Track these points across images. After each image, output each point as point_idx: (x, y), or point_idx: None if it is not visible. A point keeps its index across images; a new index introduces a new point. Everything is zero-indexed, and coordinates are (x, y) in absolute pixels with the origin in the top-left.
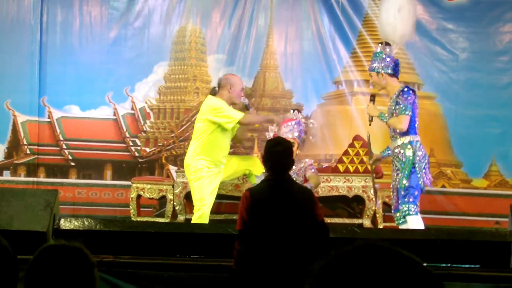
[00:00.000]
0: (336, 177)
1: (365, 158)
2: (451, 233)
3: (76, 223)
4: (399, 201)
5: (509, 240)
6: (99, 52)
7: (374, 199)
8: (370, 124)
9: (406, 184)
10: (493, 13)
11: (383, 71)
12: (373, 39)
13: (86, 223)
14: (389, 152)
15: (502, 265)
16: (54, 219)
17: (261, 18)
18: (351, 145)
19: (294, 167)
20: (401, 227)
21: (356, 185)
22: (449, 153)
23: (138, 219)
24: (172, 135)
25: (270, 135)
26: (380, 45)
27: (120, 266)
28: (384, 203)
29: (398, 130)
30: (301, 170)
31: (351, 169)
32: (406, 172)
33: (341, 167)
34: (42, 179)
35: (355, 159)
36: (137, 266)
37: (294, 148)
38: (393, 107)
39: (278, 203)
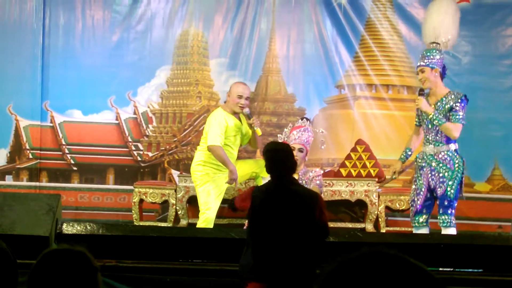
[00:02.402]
0: (338, 181)
1: (367, 163)
2: (454, 238)
3: (78, 228)
4: (440, 210)
5: None
6: (102, 56)
7: (376, 203)
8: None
9: (453, 196)
10: (495, 17)
11: (437, 68)
12: (375, 43)
13: (88, 227)
14: (409, 153)
15: (505, 269)
16: (56, 224)
17: (263, 22)
18: (354, 149)
19: (301, 176)
20: (415, 231)
21: (358, 189)
22: None
23: (141, 224)
24: (175, 139)
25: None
26: (434, 44)
27: (123, 271)
28: (387, 207)
29: (449, 137)
30: (309, 179)
31: (354, 173)
32: (456, 182)
33: (343, 172)
34: (44, 183)
35: (357, 163)
36: (139, 270)
37: (303, 155)
38: (442, 111)
39: (276, 203)
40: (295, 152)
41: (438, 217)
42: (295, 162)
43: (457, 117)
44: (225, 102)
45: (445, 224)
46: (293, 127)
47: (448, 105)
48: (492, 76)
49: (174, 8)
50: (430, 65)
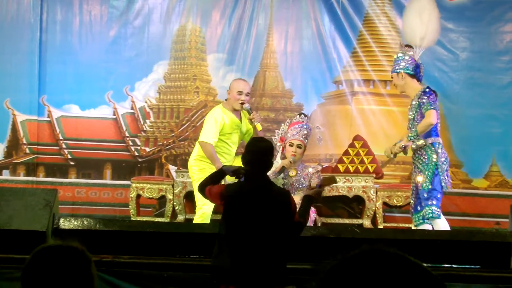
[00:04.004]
0: (336, 177)
1: (365, 158)
2: (451, 234)
3: (75, 223)
4: (422, 204)
5: (509, 240)
6: (99, 51)
7: (374, 199)
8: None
9: (430, 187)
10: (493, 13)
11: (402, 71)
12: (373, 38)
13: (85, 222)
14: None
15: (502, 266)
16: (53, 219)
17: (261, 17)
18: (351, 145)
19: (299, 172)
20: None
21: (356, 185)
22: (449, 153)
23: (138, 219)
24: (172, 134)
25: (276, 138)
26: (404, 47)
27: (120, 266)
28: (385, 203)
29: (427, 132)
30: (308, 175)
31: (351, 169)
32: (429, 174)
33: (341, 167)
34: (41, 178)
35: (355, 159)
36: (136, 266)
37: (301, 151)
38: (414, 111)
39: (250, 202)
40: (293, 148)
41: (423, 211)
42: (272, 161)
43: (426, 107)
44: (226, 99)
45: (428, 216)
46: (291, 123)
47: (417, 103)
48: (490, 72)
49: (172, 3)
50: (396, 71)
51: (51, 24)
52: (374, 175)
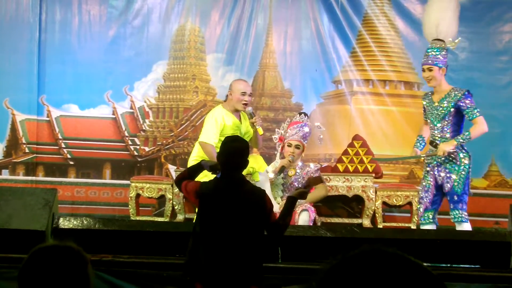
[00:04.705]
0: (335, 176)
1: (364, 158)
2: (450, 233)
3: (75, 222)
4: (451, 206)
5: (509, 240)
6: (98, 51)
7: (373, 198)
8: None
9: (461, 190)
10: (492, 13)
11: (445, 67)
12: (372, 38)
13: (85, 222)
14: (423, 142)
15: (502, 265)
16: (53, 218)
17: (260, 17)
18: (351, 145)
19: (299, 170)
20: (423, 227)
21: (355, 184)
22: None
23: (137, 218)
24: (171, 134)
25: (276, 137)
26: (440, 41)
27: (119, 266)
28: (384, 203)
29: (455, 133)
30: (307, 174)
31: (351, 168)
32: (462, 177)
33: (340, 167)
34: (41, 178)
35: (354, 158)
36: (136, 265)
37: (300, 151)
38: (446, 109)
39: (223, 201)
40: (291, 149)
41: (450, 213)
42: (247, 161)
43: (473, 113)
44: (225, 100)
45: (456, 220)
46: (290, 123)
47: (452, 103)
48: (490, 73)
49: (171, 3)
50: (439, 65)
51: (50, 23)
52: (374, 175)
